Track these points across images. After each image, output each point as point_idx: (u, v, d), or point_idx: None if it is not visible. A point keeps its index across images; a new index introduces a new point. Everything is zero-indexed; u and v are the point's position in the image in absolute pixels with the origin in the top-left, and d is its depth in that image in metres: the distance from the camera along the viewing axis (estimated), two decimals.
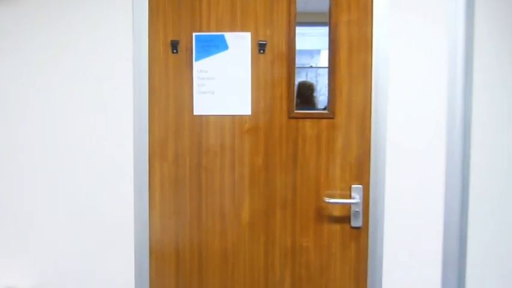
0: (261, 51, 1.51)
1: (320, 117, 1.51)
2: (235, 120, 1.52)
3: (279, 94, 1.51)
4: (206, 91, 1.52)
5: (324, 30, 1.51)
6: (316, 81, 1.56)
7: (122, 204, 1.52)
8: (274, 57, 1.51)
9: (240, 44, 1.51)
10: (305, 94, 1.54)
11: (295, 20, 1.50)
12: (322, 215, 1.52)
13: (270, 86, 1.51)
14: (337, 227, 1.52)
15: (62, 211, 1.52)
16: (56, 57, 1.50)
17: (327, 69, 1.51)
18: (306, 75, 1.57)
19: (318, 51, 1.57)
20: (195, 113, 1.53)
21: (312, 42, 1.57)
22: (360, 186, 1.51)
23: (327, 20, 1.50)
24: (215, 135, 1.53)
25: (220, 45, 1.51)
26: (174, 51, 1.52)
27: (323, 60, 1.53)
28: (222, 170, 1.53)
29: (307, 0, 1.50)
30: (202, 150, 1.53)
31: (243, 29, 1.51)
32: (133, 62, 1.50)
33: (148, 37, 1.52)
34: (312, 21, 1.57)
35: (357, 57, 1.49)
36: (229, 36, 1.51)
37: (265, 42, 1.50)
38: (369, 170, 1.50)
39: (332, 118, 1.51)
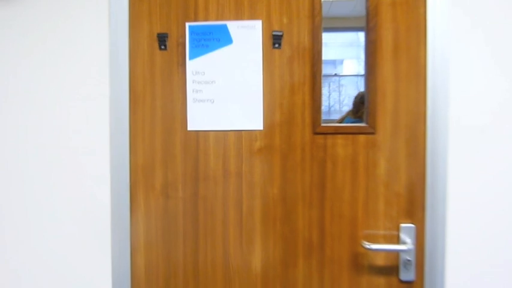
0: (276, 45, 1.13)
1: (356, 131, 1.12)
2: (243, 137, 1.15)
3: (301, 101, 1.13)
4: (204, 99, 1.15)
5: (349, 36, 1.13)
6: (339, 92, 1.17)
7: (93, 261, 1.16)
8: (293, 52, 1.13)
9: (247, 36, 1.14)
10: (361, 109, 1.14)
11: (320, 3, 1.12)
12: (361, 265, 1.13)
13: (289, 91, 1.13)
14: (380, 281, 1.13)
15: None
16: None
17: (351, 79, 1.13)
18: (329, 86, 1.18)
19: (341, 61, 1.18)
20: (189, 128, 1.16)
21: (335, 52, 1.17)
22: (412, 225, 1.11)
23: (352, 24, 1.12)
24: (216, 158, 1.16)
25: (221, 38, 1.14)
26: (162, 47, 1.16)
27: (346, 71, 1.15)
28: (226, 203, 1.16)
29: (330, 3, 1.12)
30: (200, 177, 1.16)
31: (251, 17, 1.14)
32: (110, 63, 1.14)
33: (129, 29, 1.16)
34: (335, 27, 1.18)
35: (406, 51, 1.10)
36: (234, 26, 1.14)
37: (281, 34, 1.13)
38: (424, 204, 1.11)
39: (372, 133, 1.12)
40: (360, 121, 1.13)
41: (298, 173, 1.14)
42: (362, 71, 1.13)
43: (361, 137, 1.12)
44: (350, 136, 1.12)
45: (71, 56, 1.15)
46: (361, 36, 1.12)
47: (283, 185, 1.14)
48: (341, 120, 1.14)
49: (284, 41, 1.13)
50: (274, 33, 1.13)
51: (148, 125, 1.17)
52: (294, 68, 1.13)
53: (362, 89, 1.13)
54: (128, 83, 1.16)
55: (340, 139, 1.13)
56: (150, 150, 1.17)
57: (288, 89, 1.13)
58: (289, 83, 1.13)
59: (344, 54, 1.15)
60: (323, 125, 1.13)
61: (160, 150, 1.17)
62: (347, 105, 1.15)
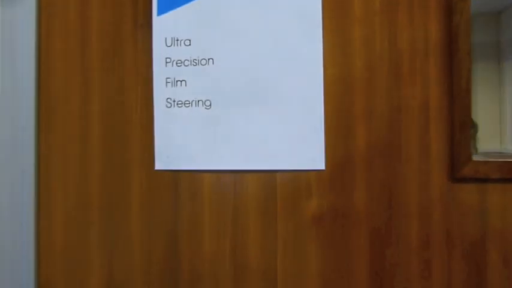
0: None
1: None
2: (278, 187, 0.49)
3: (418, 103, 0.47)
4: (189, 100, 0.51)
5: None
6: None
7: None
8: None
9: None
10: None
11: None
12: None
13: (387, 81, 0.47)
14: None
15: None
16: None
17: None
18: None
19: None
20: (157, 167, 0.51)
21: None
22: None
23: None
24: (216, 234, 0.50)
25: None
26: None
27: None
28: None
29: None
30: (180, 279, 0.51)
31: None
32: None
33: None
34: None
35: None
36: None
37: None
38: None
39: None
40: None
41: (415, 276, 0.46)
42: None
43: None
44: None
45: None
46: None
47: None
48: None
49: None
50: None
51: (72, 161, 0.53)
52: (400, 25, 0.47)
53: None
54: (34, 75, 0.54)
55: None
56: (72, 221, 0.53)
57: (385, 76, 0.47)
58: (387, 62, 0.47)
59: None
60: (477, 159, 0.45)
61: (97, 218, 0.53)
62: None
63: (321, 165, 0.48)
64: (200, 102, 0.51)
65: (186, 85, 0.51)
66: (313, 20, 0.48)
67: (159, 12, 0.52)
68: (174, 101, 0.51)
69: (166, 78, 0.52)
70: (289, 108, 0.48)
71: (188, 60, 0.51)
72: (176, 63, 0.51)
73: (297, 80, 0.48)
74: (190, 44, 0.51)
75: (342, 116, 0.48)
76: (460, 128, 0.45)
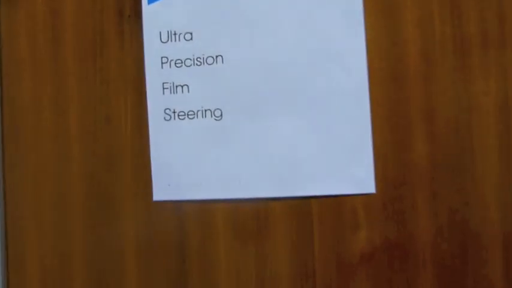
0: None
1: None
2: (315, 217, 0.38)
3: (498, 105, 0.36)
4: (193, 109, 0.39)
5: None
6: None
7: None
8: None
9: None
10: None
11: None
12: None
13: (453, 74, 0.36)
14: None
15: None
16: None
17: None
18: None
19: None
20: (156, 198, 0.40)
21: None
22: None
23: None
24: (238, 286, 0.39)
25: None
26: None
27: None
28: None
29: None
30: None
31: None
32: None
33: None
34: None
35: None
36: None
37: None
38: None
39: None
40: None
41: None
42: None
43: None
44: None
45: None
46: None
47: None
48: None
49: None
50: None
51: (45, 195, 0.42)
52: (465, 2, 0.37)
53: None
54: None
55: None
56: (48, 270, 0.41)
57: (448, 69, 0.36)
58: (450, 51, 0.36)
59: None
60: None
61: (80, 272, 0.41)
62: None
63: (370, 187, 0.37)
64: (208, 112, 0.39)
65: (188, 91, 0.40)
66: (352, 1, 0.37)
67: (150, 0, 0.41)
68: (174, 111, 0.40)
69: (163, 83, 0.40)
70: (325, 116, 0.37)
71: (190, 59, 0.40)
72: (175, 63, 0.40)
73: (335, 79, 0.37)
74: (192, 39, 0.40)
75: (395, 123, 0.37)
76: None
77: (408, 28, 0.37)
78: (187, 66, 0.40)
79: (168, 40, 0.40)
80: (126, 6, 0.41)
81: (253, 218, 0.39)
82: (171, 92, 0.40)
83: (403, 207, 0.36)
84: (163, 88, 0.40)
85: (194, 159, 0.39)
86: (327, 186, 0.37)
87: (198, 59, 0.40)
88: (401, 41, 0.37)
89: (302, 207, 0.38)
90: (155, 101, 0.40)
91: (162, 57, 0.40)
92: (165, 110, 0.40)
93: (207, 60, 0.39)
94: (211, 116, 0.39)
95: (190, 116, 0.40)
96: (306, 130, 0.37)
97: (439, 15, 0.37)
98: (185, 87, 0.40)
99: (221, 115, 0.39)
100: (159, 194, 0.40)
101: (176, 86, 0.40)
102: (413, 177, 0.36)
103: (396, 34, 0.37)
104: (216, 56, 0.39)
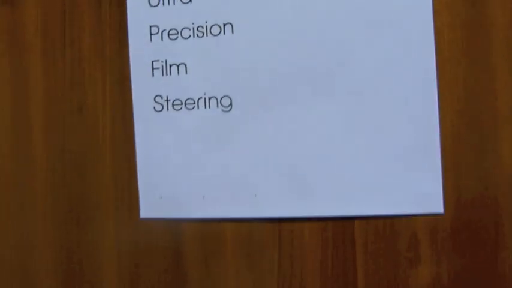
0: None
1: None
2: (358, 243, 0.28)
3: None
4: (195, 96, 0.29)
5: None
6: None
7: None
8: None
9: None
10: None
11: None
12: None
13: None
14: None
15: None
16: None
17: None
18: None
19: None
20: (145, 215, 0.30)
21: None
22: None
23: None
24: None
25: None
26: None
27: None
28: None
29: None
30: None
31: None
32: None
33: None
34: None
35: None
36: None
37: None
38: None
39: None
40: None
41: None
42: None
43: None
44: None
45: None
46: None
47: None
48: None
49: None
50: None
51: (4, 201, 0.32)
52: None
53: None
54: None
55: None
56: None
57: None
58: None
59: None
60: None
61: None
62: None
63: (437, 206, 0.26)
64: (213, 101, 0.29)
65: (186, 72, 0.29)
66: None
67: None
68: (167, 100, 0.30)
69: (153, 61, 0.30)
70: (375, 107, 0.27)
71: (189, 29, 0.29)
72: (168, 34, 0.30)
73: (390, 57, 0.27)
74: (191, 1, 0.29)
75: (472, 120, 0.26)
76: None
77: None
78: (184, 38, 0.29)
79: (159, 3, 0.30)
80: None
81: (273, 244, 0.29)
82: (163, 74, 0.30)
83: (482, 233, 0.26)
84: (153, 68, 0.30)
85: (194, 164, 0.29)
86: (376, 204, 0.27)
87: (200, 29, 0.29)
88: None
89: (341, 231, 0.28)
90: (142, 86, 0.30)
91: (151, 27, 0.30)
92: (155, 97, 0.30)
93: (212, 30, 0.29)
94: (218, 106, 0.29)
95: (188, 106, 0.29)
96: (347, 126, 0.27)
97: None
98: (182, 67, 0.29)
99: (230, 105, 0.29)
100: (147, 209, 0.30)
101: (170, 66, 0.30)
102: (496, 193, 0.26)
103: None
104: (224, 24, 0.29)
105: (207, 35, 0.29)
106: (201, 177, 0.29)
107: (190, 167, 0.29)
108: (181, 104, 0.29)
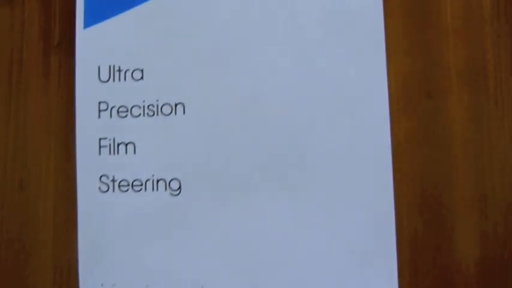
0: None
1: None
2: None
3: None
4: (142, 178, 0.27)
5: None
6: None
7: None
8: None
9: None
10: None
11: None
12: None
13: None
14: None
15: None
16: None
17: None
18: None
19: None
20: None
21: None
22: None
23: None
24: None
25: None
26: None
27: None
28: None
29: None
30: None
31: None
32: None
33: None
34: None
35: None
36: None
37: None
38: None
39: None
40: None
41: None
42: None
43: None
44: None
45: None
46: None
47: None
48: None
49: None
50: None
51: None
52: None
53: None
54: None
55: None
56: None
57: None
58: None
59: None
60: None
61: None
62: None
63: None
64: (161, 184, 0.27)
65: (135, 152, 0.28)
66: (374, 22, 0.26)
67: (87, 24, 0.29)
68: (113, 180, 0.28)
69: (100, 139, 0.28)
70: (332, 205, 0.26)
71: (139, 107, 0.28)
72: (118, 112, 0.28)
73: (345, 153, 0.26)
74: (142, 78, 0.28)
75: (429, 204, 0.25)
76: None
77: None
78: (134, 116, 0.28)
79: (109, 78, 0.29)
80: (55, 29, 0.30)
81: None
82: (110, 153, 0.28)
83: None
84: (100, 146, 0.28)
85: (138, 251, 0.27)
86: None
87: (150, 107, 0.28)
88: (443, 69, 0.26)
89: None
90: (87, 164, 0.28)
91: (100, 103, 0.28)
92: (101, 177, 0.28)
93: (163, 109, 0.28)
94: (166, 189, 0.27)
95: (135, 188, 0.28)
96: (300, 222, 0.26)
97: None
98: (130, 146, 0.28)
99: (179, 188, 0.27)
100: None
101: (118, 144, 0.28)
102: None
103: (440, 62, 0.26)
104: (176, 104, 0.28)
105: (157, 114, 0.28)
106: (145, 266, 0.27)
107: (134, 255, 0.27)
108: (128, 185, 0.28)
